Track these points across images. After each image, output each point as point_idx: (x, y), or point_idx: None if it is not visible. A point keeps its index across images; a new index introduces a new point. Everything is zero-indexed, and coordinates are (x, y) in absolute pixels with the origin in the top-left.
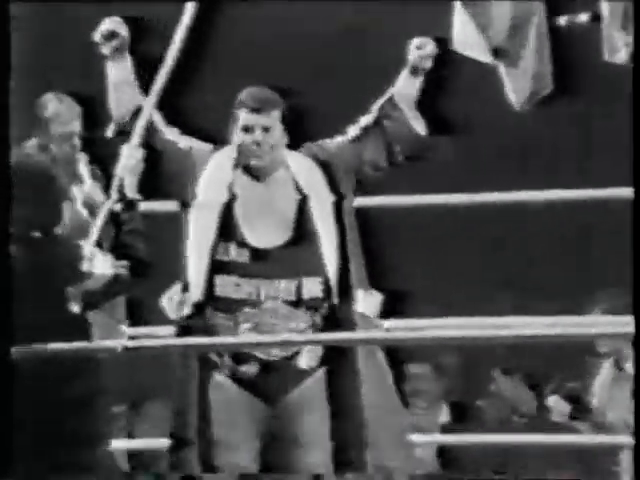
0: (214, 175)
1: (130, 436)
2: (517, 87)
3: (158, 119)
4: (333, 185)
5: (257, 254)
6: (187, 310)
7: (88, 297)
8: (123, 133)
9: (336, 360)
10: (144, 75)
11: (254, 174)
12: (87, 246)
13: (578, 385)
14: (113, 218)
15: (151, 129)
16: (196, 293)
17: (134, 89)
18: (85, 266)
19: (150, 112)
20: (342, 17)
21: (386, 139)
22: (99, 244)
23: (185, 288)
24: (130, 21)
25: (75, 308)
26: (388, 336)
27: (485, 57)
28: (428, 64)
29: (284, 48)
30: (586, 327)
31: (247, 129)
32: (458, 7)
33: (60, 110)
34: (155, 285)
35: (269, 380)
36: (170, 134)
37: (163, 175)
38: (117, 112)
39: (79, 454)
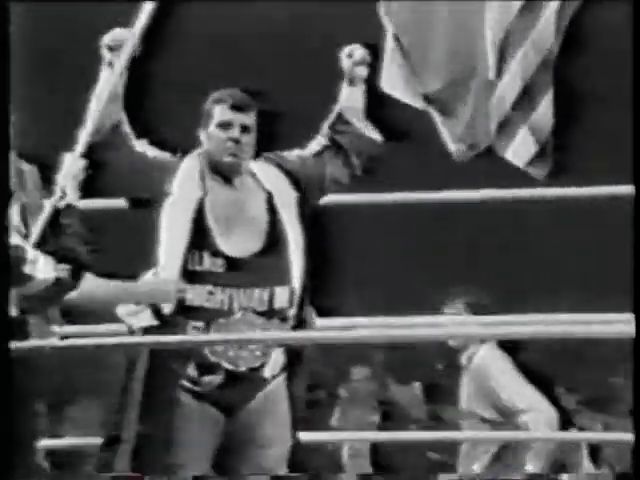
0: (186, 175)
1: (56, 436)
2: (454, 137)
3: (128, 131)
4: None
5: (231, 263)
6: (149, 321)
7: (28, 301)
8: (100, 146)
9: (295, 364)
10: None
11: (224, 174)
12: (30, 250)
13: None
14: (54, 222)
15: (119, 139)
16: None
17: (118, 102)
18: (28, 269)
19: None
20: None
21: (344, 155)
22: (40, 247)
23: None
24: None
25: (14, 311)
26: (322, 336)
27: (414, 102)
28: (363, 72)
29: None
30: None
31: (224, 125)
32: (390, 44)
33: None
34: None
35: (229, 391)
36: (139, 146)
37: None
38: (97, 121)
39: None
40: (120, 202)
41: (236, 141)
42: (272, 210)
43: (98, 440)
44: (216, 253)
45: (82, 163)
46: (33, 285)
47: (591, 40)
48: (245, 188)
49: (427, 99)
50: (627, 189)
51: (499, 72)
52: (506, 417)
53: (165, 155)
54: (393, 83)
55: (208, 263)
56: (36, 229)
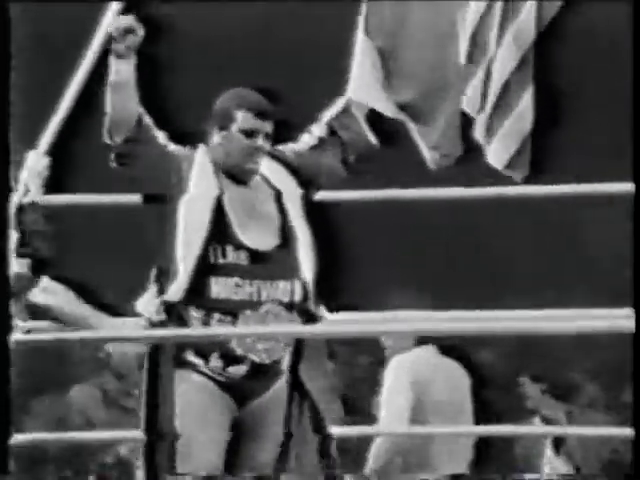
0: (201, 172)
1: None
2: (428, 145)
3: (150, 123)
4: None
5: (254, 256)
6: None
7: None
8: (128, 140)
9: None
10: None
11: (238, 178)
12: None
13: None
14: (17, 219)
15: (144, 133)
16: (176, 292)
17: (133, 92)
18: None
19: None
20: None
21: (343, 149)
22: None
23: (161, 291)
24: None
25: None
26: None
27: (386, 110)
28: None
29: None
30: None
31: (249, 133)
32: (361, 51)
33: None
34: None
35: (248, 382)
36: (161, 139)
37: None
38: (114, 114)
39: None
40: (91, 198)
41: (259, 150)
42: (281, 208)
43: (60, 436)
44: (239, 246)
45: (46, 160)
46: None
47: (577, 37)
48: (255, 186)
49: (401, 107)
50: (626, 186)
51: (470, 59)
52: None
53: (181, 149)
54: (364, 91)
55: (232, 256)
56: None
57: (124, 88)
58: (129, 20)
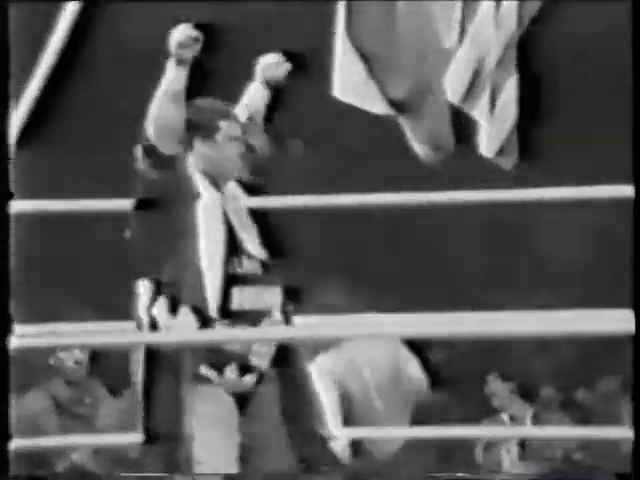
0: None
1: None
2: (420, 139)
3: None
4: None
5: (263, 265)
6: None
7: None
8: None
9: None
10: None
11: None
12: None
13: None
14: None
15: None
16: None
17: (183, 100)
18: None
19: None
20: None
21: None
22: None
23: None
24: None
25: None
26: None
27: (374, 107)
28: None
29: None
30: None
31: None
32: (343, 48)
33: None
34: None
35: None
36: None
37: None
38: (166, 122)
39: None
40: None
41: (243, 157)
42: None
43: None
44: (250, 256)
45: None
46: None
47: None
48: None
49: (393, 104)
50: (626, 189)
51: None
52: None
53: None
54: (350, 89)
55: (248, 266)
56: None
57: (178, 96)
58: (195, 31)
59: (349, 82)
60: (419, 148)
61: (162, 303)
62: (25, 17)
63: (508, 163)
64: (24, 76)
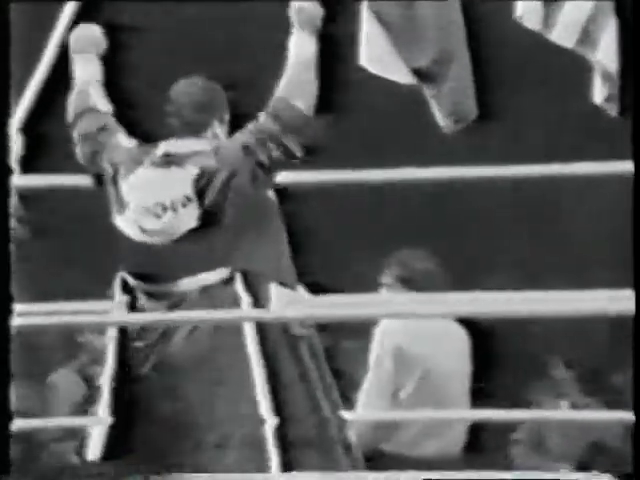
0: None
1: None
2: (443, 110)
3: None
4: None
5: None
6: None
7: None
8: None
9: None
10: None
11: None
12: None
13: None
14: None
15: None
16: None
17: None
18: None
19: None
20: None
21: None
22: None
23: None
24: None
25: None
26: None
27: (400, 77)
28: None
29: None
30: None
31: None
32: (368, 20)
33: None
34: None
35: None
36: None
37: None
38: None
39: None
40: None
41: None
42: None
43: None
44: None
45: (20, 140)
46: None
47: None
48: None
49: (418, 73)
50: (626, 165)
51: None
52: None
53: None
54: (375, 59)
55: None
56: None
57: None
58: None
59: (374, 54)
60: (441, 120)
61: None
62: (25, 17)
63: (614, 109)
64: (24, 75)
